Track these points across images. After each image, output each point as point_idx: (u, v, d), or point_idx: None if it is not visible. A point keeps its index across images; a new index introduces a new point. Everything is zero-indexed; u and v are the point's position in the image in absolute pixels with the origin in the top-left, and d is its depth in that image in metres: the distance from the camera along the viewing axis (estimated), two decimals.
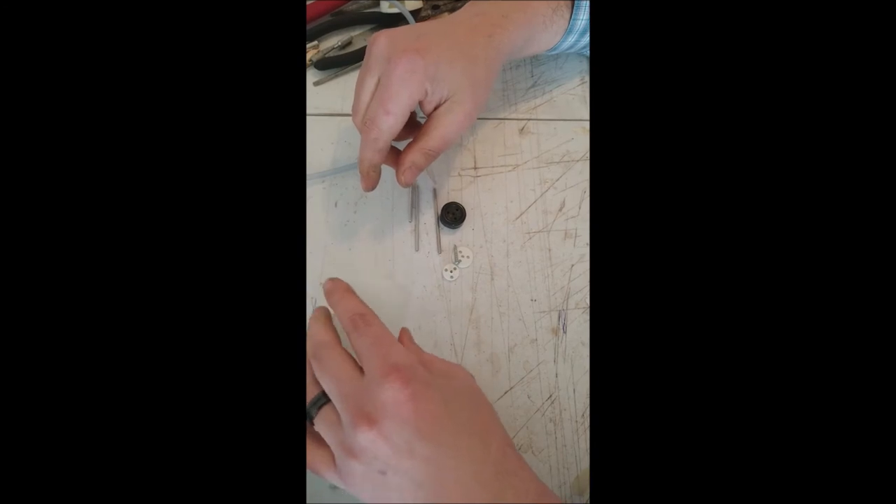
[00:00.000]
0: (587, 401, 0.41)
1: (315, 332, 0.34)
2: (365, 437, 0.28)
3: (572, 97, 0.51)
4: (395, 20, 0.52)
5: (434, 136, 0.38)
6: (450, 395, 0.30)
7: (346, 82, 0.51)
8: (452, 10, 0.53)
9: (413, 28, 0.39)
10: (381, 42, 0.37)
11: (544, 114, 0.50)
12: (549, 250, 0.45)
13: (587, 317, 0.43)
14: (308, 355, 0.33)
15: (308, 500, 0.37)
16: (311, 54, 0.52)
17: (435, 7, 0.53)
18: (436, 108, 0.38)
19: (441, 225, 0.45)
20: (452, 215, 0.44)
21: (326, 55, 0.52)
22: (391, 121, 0.36)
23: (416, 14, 0.51)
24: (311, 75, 0.51)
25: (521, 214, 0.46)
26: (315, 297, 0.43)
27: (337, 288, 0.35)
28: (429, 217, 0.46)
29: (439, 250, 0.45)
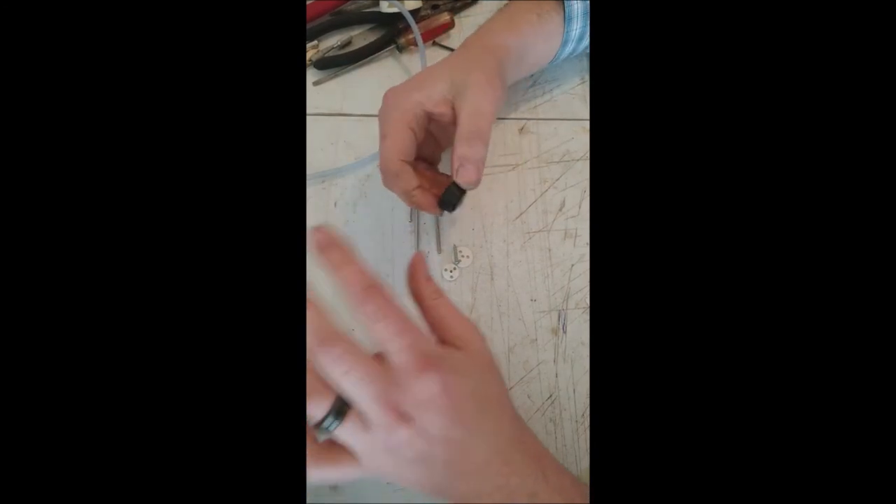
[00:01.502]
0: (587, 401, 0.41)
1: (319, 325, 0.28)
2: (403, 435, 0.28)
3: (572, 97, 0.51)
4: (395, 19, 0.52)
5: (464, 122, 0.36)
6: (471, 375, 0.30)
7: (346, 82, 0.51)
8: (452, 10, 0.53)
9: None
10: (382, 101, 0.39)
11: (544, 113, 0.50)
12: (549, 250, 0.45)
13: (587, 317, 0.43)
14: (314, 352, 0.28)
15: (308, 501, 0.37)
16: (310, 54, 0.51)
17: (434, 6, 0.53)
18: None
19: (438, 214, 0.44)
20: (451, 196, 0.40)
21: (326, 55, 0.51)
22: (387, 144, 0.37)
23: (415, 14, 0.51)
24: (311, 75, 0.51)
25: (521, 214, 0.46)
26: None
27: (332, 245, 0.29)
28: (429, 217, 0.46)
29: (439, 250, 0.45)
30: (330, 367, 0.28)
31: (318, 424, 0.29)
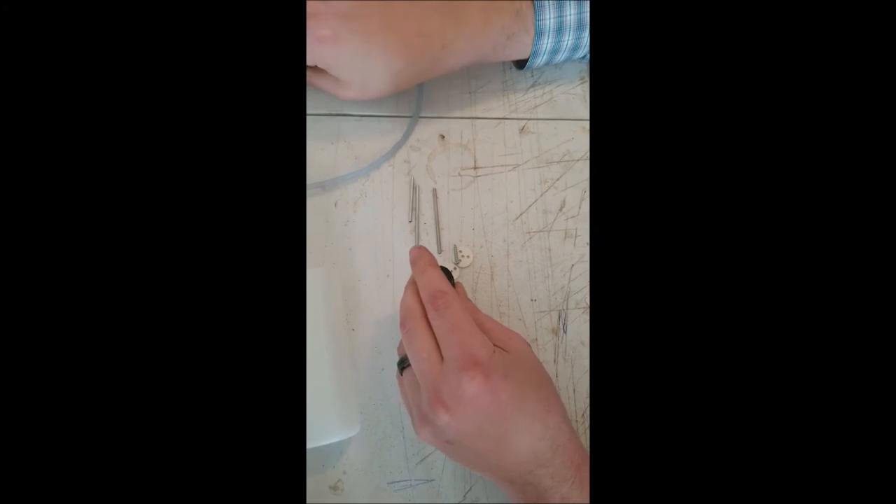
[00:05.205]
0: (587, 401, 0.41)
1: (405, 300, 0.34)
2: (439, 419, 0.30)
3: (572, 97, 0.51)
4: None
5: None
6: (521, 378, 0.32)
7: None
8: None
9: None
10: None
11: (544, 113, 0.50)
12: (550, 250, 0.45)
13: (587, 317, 0.43)
14: (400, 320, 0.34)
15: (308, 500, 0.37)
16: None
17: None
18: None
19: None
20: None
21: None
22: None
23: None
24: None
25: (521, 214, 0.46)
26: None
27: (421, 257, 0.35)
28: (429, 217, 0.46)
29: (439, 250, 0.45)
30: (404, 339, 0.33)
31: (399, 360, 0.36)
